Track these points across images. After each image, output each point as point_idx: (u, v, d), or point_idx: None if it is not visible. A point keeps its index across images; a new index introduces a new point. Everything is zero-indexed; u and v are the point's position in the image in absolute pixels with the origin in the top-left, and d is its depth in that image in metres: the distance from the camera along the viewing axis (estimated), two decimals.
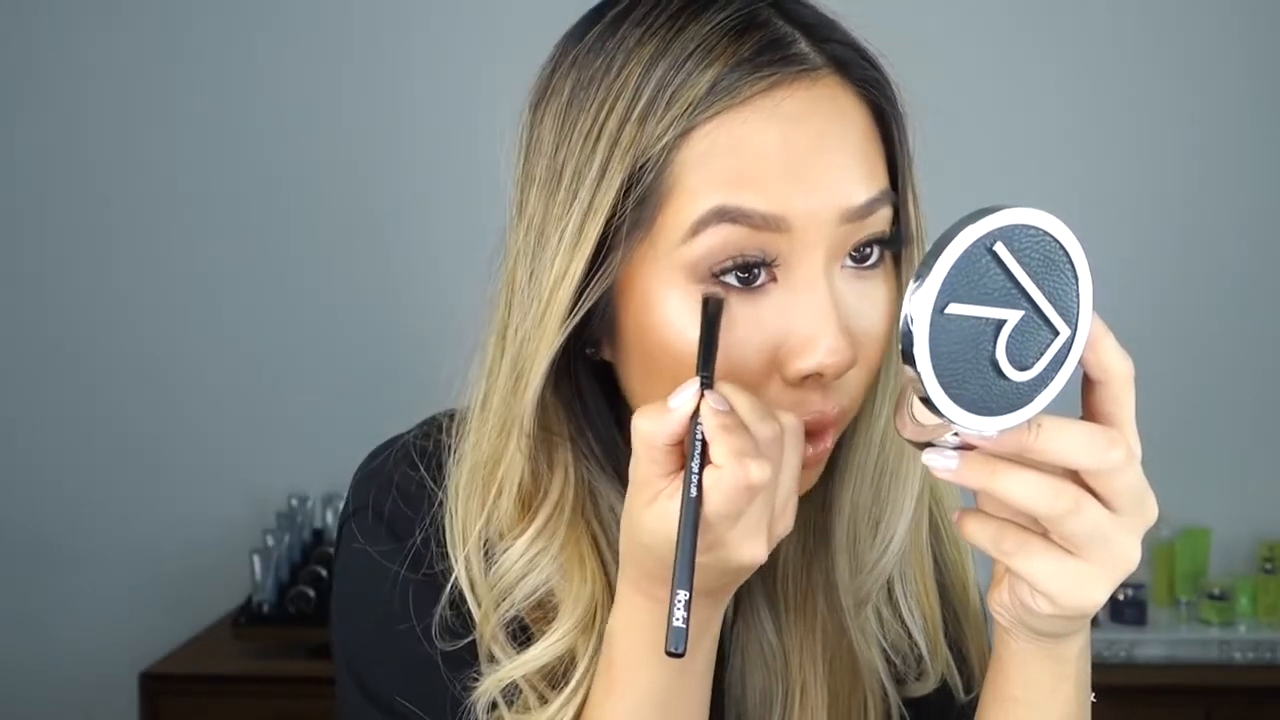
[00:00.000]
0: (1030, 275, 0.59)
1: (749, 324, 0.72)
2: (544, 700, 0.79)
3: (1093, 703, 0.76)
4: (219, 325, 2.77)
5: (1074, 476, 0.62)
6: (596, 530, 0.81)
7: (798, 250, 0.71)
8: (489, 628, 0.80)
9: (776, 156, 0.71)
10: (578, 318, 0.74)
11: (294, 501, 2.64)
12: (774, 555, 0.82)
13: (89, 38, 2.74)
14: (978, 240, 0.57)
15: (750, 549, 0.69)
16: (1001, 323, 0.59)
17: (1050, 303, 0.59)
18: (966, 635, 0.92)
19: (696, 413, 0.68)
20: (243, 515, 2.72)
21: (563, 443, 0.80)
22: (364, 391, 2.67)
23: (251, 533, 2.61)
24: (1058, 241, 0.59)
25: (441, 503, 0.82)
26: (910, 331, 0.58)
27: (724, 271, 0.71)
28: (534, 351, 0.75)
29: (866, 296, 0.74)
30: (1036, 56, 2.70)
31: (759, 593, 0.86)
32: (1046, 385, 0.60)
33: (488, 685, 0.79)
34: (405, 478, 0.84)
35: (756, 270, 0.72)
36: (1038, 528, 0.64)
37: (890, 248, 0.75)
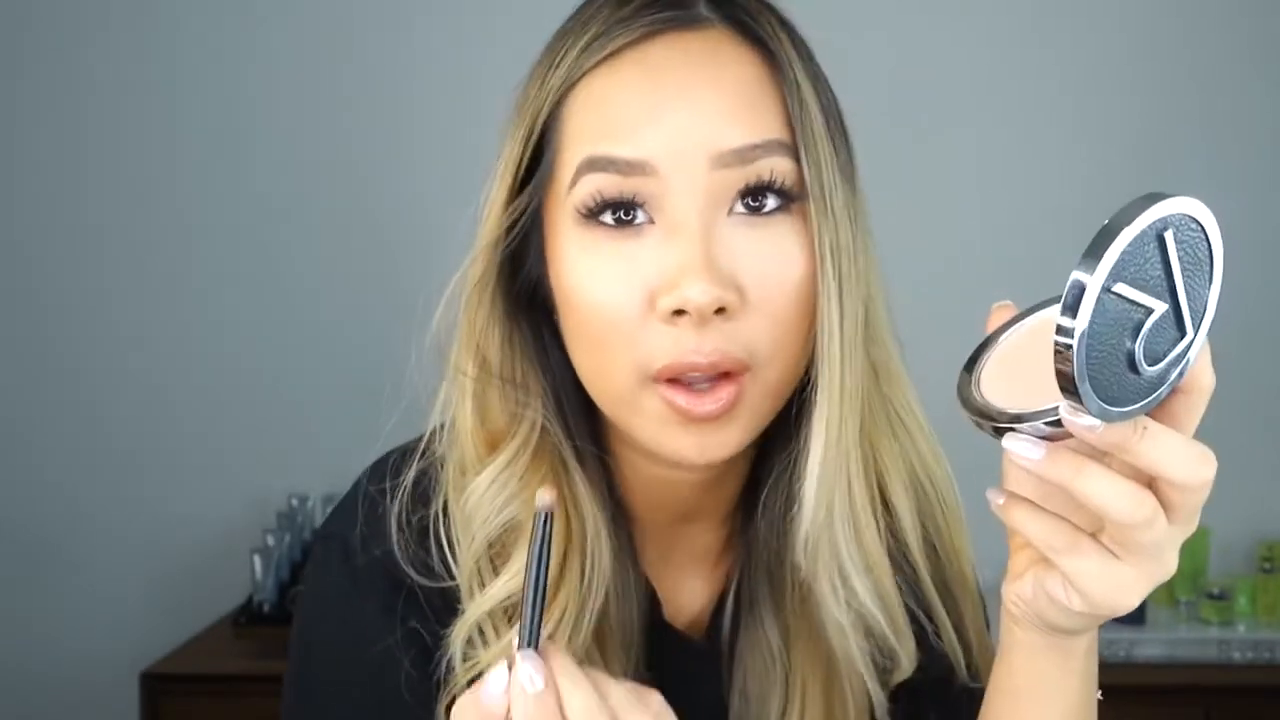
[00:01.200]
0: (1183, 270, 0.57)
1: (625, 263, 0.74)
2: (500, 638, 0.79)
3: (1100, 700, 0.76)
4: (219, 325, 2.77)
5: (1144, 480, 0.61)
6: (560, 469, 0.82)
7: (670, 193, 0.74)
8: (469, 566, 0.81)
9: (641, 103, 0.74)
10: (510, 246, 0.79)
11: (294, 501, 2.64)
12: (782, 568, 0.83)
13: (88, 38, 2.74)
14: (1154, 222, 0.56)
15: None
16: (1149, 312, 0.57)
17: (1188, 302, 0.58)
18: (965, 615, 0.91)
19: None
20: (243, 515, 2.72)
21: (533, 402, 0.82)
22: (364, 392, 2.65)
23: (251, 533, 2.61)
24: (1209, 243, 0.58)
25: (400, 534, 0.82)
26: (1077, 304, 0.55)
27: (591, 213, 0.75)
28: (469, 275, 0.80)
29: (761, 244, 0.75)
30: (1035, 53, 2.70)
31: (766, 606, 0.86)
32: (1161, 386, 0.58)
33: (458, 631, 0.80)
34: (374, 503, 0.84)
35: (631, 212, 0.74)
36: (1087, 526, 0.64)
37: (786, 199, 0.75)
